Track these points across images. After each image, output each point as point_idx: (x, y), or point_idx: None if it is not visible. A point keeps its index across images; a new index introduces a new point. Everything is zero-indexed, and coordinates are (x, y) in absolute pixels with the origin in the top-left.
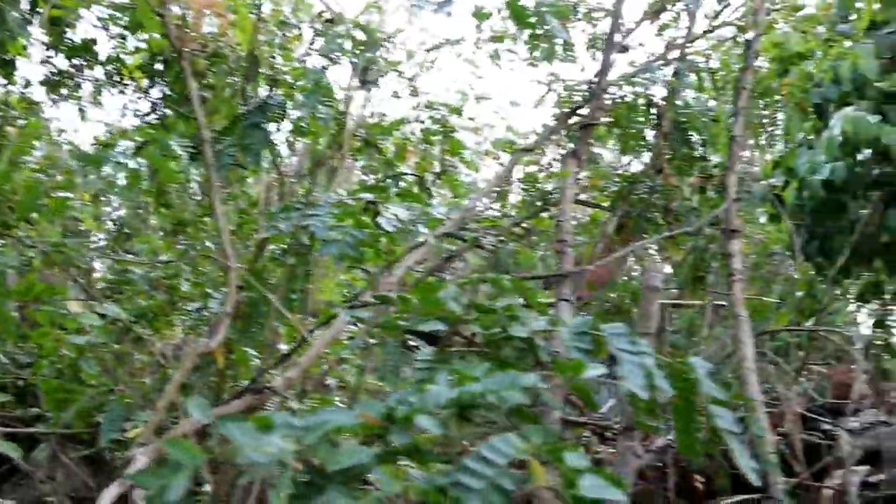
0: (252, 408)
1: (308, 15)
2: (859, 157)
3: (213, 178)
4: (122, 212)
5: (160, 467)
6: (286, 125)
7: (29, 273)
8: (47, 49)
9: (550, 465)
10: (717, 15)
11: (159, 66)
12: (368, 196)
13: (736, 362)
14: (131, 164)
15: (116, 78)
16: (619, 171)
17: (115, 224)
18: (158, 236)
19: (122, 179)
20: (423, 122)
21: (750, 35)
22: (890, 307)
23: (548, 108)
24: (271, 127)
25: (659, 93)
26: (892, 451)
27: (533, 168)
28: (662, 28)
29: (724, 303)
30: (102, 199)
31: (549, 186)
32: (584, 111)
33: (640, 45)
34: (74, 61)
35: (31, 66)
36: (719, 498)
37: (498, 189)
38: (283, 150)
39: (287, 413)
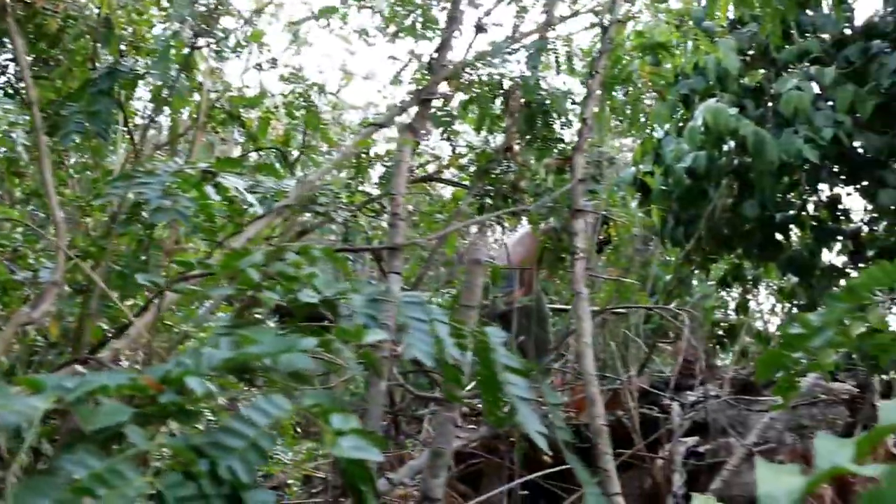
0: None
1: None
2: (724, 147)
3: (41, 143)
4: None
5: None
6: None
7: None
8: None
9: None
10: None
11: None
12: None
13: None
14: None
15: None
16: (480, 150)
17: None
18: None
19: None
20: (285, 95)
21: (606, 21)
22: (751, 292)
23: (406, 85)
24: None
25: (514, 73)
26: (718, 422)
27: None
28: (522, 10)
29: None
30: None
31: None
32: (440, 87)
33: (499, 24)
34: None
35: None
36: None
37: (348, 164)
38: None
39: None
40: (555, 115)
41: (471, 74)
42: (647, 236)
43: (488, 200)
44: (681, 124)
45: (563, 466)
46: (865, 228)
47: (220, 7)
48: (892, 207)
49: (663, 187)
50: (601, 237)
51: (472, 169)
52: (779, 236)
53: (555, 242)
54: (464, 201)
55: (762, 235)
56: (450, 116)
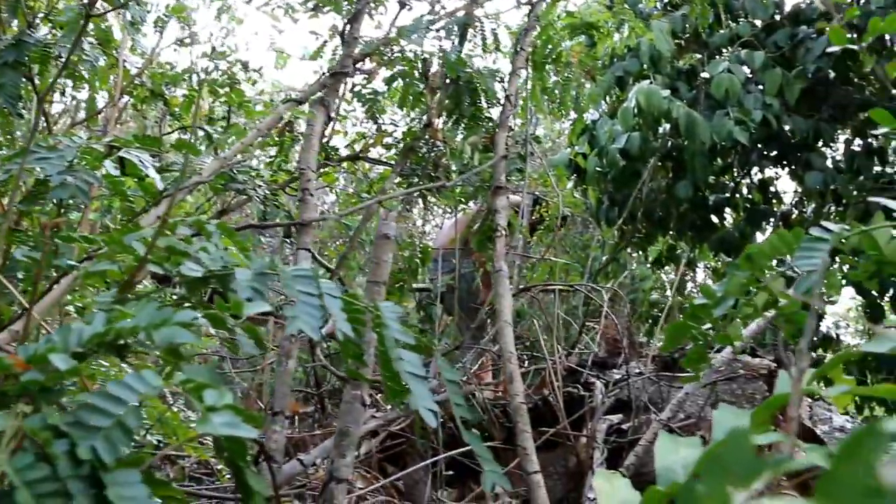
0: None
1: None
2: (660, 129)
3: None
4: None
5: None
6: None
7: None
8: None
9: None
10: None
11: None
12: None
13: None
14: None
15: None
16: (406, 128)
17: None
18: None
19: None
20: (209, 72)
21: None
22: (687, 273)
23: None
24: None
25: (436, 49)
26: (639, 399)
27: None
28: None
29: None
30: None
31: (333, 140)
32: (364, 64)
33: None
34: None
35: None
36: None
37: (272, 142)
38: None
39: None
40: (482, 93)
41: (393, 51)
42: (584, 217)
43: (415, 179)
44: (616, 106)
45: (488, 444)
46: (796, 210)
47: None
48: (819, 189)
49: (598, 168)
50: (534, 218)
51: (399, 147)
52: (714, 218)
53: (484, 221)
54: (389, 180)
55: (696, 216)
56: (374, 93)
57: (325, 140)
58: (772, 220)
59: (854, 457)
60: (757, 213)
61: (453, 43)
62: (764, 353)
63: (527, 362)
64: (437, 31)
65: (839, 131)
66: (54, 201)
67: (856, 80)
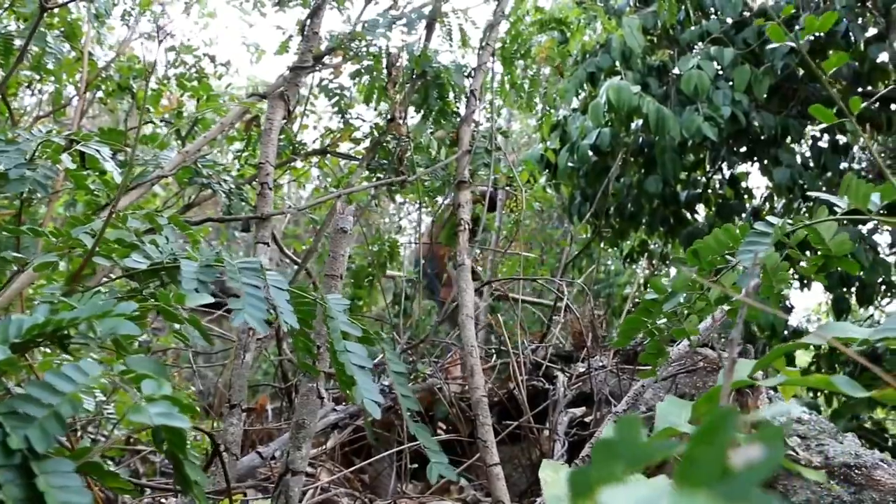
0: None
1: None
2: (632, 125)
3: None
4: None
5: None
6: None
7: None
8: None
9: None
10: None
11: None
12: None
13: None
14: None
15: None
16: (373, 123)
17: None
18: None
19: None
20: (176, 66)
21: None
22: (659, 267)
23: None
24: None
25: (402, 44)
26: (601, 392)
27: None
28: None
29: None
30: None
31: (300, 136)
32: (332, 59)
33: None
34: None
35: None
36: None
37: (239, 136)
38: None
39: None
40: (450, 87)
41: (359, 46)
42: (558, 213)
43: (379, 175)
44: (587, 102)
45: (452, 436)
46: (767, 206)
47: None
48: (787, 185)
49: (570, 164)
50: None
51: (366, 142)
52: (685, 213)
53: (453, 217)
54: (355, 175)
55: (668, 212)
56: (341, 88)
57: (293, 135)
58: (743, 215)
59: (708, 440)
60: (728, 209)
61: (420, 38)
62: (715, 342)
63: (495, 356)
64: (403, 26)
65: (807, 128)
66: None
67: (823, 76)
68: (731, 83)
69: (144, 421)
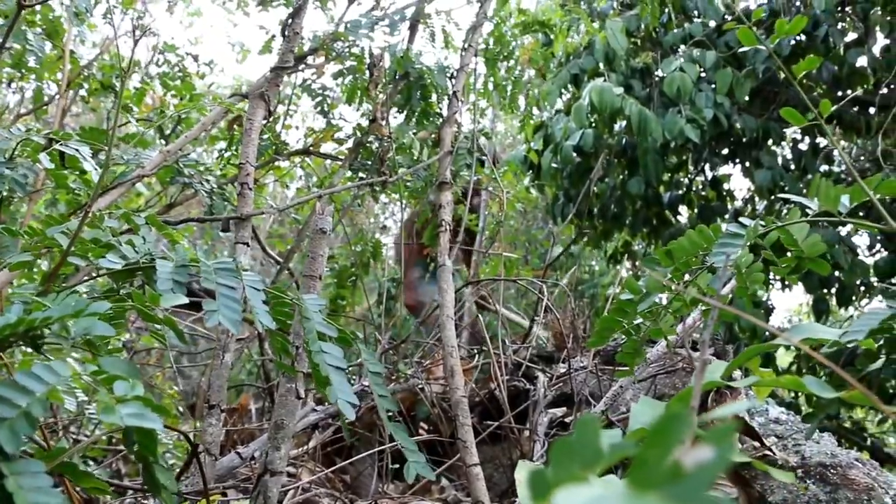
0: None
1: None
2: (616, 127)
3: None
4: None
5: None
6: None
7: None
8: None
9: None
10: None
11: None
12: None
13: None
14: None
15: None
16: (356, 123)
17: None
18: None
19: None
20: (160, 65)
21: None
22: (640, 268)
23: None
24: None
25: (384, 45)
26: (581, 393)
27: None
28: None
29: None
30: None
31: (283, 135)
32: (315, 59)
33: None
34: None
35: None
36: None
37: (222, 136)
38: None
39: None
40: (433, 88)
41: (341, 46)
42: (542, 214)
43: (362, 175)
44: (571, 103)
45: (433, 437)
46: (749, 208)
47: None
48: (768, 187)
49: (554, 165)
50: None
51: (349, 143)
52: (668, 214)
53: (435, 217)
54: (338, 175)
55: (651, 213)
56: (323, 88)
57: (275, 135)
58: (726, 216)
59: (660, 441)
60: (710, 210)
61: (403, 39)
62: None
63: (477, 357)
64: (386, 27)
65: (788, 130)
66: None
67: (804, 80)
68: (713, 86)
69: (115, 421)
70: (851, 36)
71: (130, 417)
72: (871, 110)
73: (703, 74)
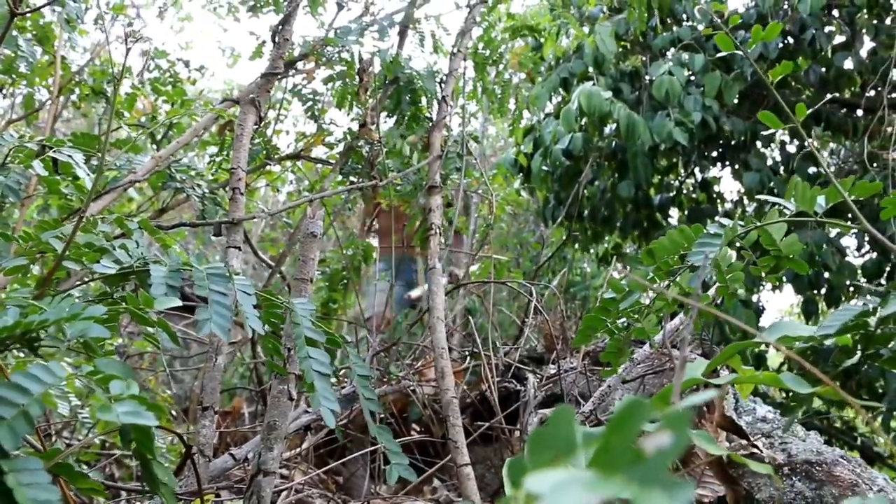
0: None
1: None
2: (606, 130)
3: None
4: None
5: None
6: None
7: None
8: None
9: None
10: None
11: None
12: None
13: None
14: None
15: None
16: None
17: None
18: None
19: None
20: (150, 70)
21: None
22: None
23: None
24: None
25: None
26: (571, 394)
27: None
28: None
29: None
30: None
31: (274, 140)
32: (306, 64)
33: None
34: None
35: None
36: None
37: (213, 141)
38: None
39: None
40: (423, 93)
41: (331, 52)
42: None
43: (352, 179)
44: (561, 107)
45: (425, 437)
46: (739, 210)
47: None
48: (757, 189)
49: (544, 168)
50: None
51: (340, 147)
52: (658, 217)
53: (424, 220)
54: (328, 179)
55: (641, 215)
56: (314, 93)
57: (266, 139)
58: (715, 218)
59: (622, 428)
60: (699, 213)
61: (393, 44)
62: (692, 347)
63: (468, 358)
64: (376, 32)
65: (777, 133)
66: None
67: (792, 83)
68: (701, 89)
69: (111, 419)
70: (839, 39)
71: (126, 415)
72: (859, 112)
73: (691, 78)
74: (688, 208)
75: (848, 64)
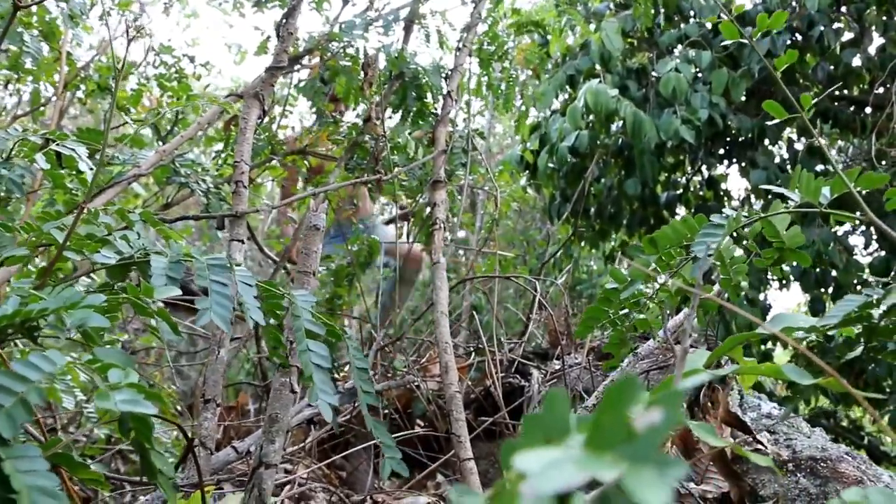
0: None
1: None
2: (612, 127)
3: None
4: None
5: None
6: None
7: None
8: None
9: None
10: None
11: None
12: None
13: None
14: None
15: None
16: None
17: None
18: None
19: None
20: (156, 66)
21: None
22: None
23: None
24: None
25: (379, 45)
26: (575, 389)
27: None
28: None
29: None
30: None
31: (279, 135)
32: (311, 59)
33: None
34: None
35: None
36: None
37: (218, 136)
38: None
39: None
40: (428, 88)
41: (335, 47)
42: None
43: (357, 174)
44: (567, 104)
45: (429, 432)
46: (746, 207)
47: None
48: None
49: (550, 165)
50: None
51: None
52: (665, 214)
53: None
54: (333, 174)
55: (648, 213)
56: (318, 89)
57: (271, 134)
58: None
59: (613, 408)
60: (707, 210)
61: (398, 39)
62: (696, 341)
63: (473, 354)
64: (381, 27)
65: (784, 130)
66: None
67: (801, 80)
68: (708, 86)
69: (109, 407)
70: (847, 36)
71: (124, 403)
72: (868, 110)
73: (698, 75)
74: (694, 206)
75: (856, 61)
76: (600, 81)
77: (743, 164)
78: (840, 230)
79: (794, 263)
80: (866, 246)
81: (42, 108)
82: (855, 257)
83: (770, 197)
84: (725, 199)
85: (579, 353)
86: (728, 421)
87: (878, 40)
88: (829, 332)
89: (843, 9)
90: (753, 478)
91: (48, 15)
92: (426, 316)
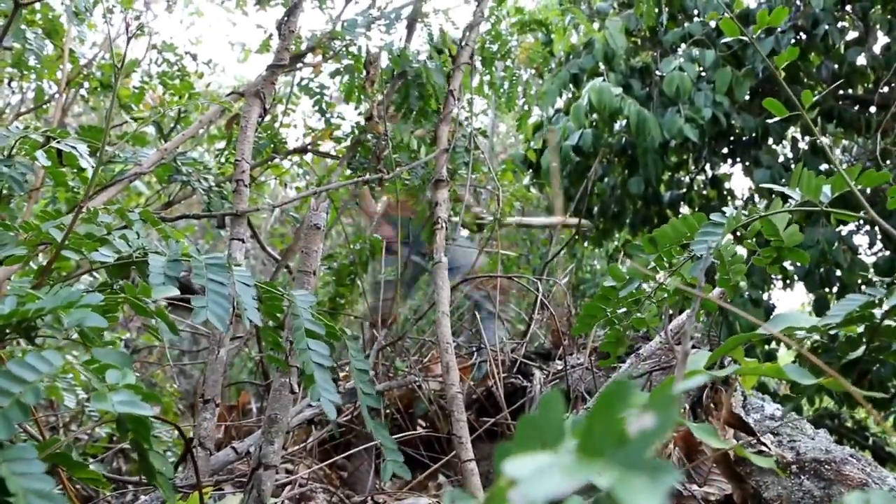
0: None
1: None
2: (616, 126)
3: None
4: None
5: None
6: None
7: None
8: None
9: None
10: None
11: None
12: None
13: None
14: None
15: None
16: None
17: None
18: None
19: None
20: (159, 64)
21: None
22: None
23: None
24: None
25: (381, 43)
26: (577, 390)
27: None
28: None
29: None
30: None
31: (282, 133)
32: (315, 57)
33: None
34: None
35: None
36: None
37: (220, 135)
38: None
39: None
40: (431, 87)
41: (338, 45)
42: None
43: (360, 173)
44: (571, 103)
45: (430, 433)
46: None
47: None
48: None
49: (554, 164)
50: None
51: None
52: (669, 213)
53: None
54: (336, 172)
55: (651, 212)
56: (321, 87)
57: (273, 133)
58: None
59: (605, 412)
60: (710, 209)
61: (401, 38)
62: (699, 342)
63: (475, 354)
64: (383, 25)
65: (788, 129)
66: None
67: (805, 79)
68: (712, 85)
69: (107, 408)
70: (852, 35)
71: (121, 405)
72: (872, 109)
73: (702, 74)
74: (698, 205)
75: (861, 60)
76: (604, 80)
77: (747, 163)
78: (844, 230)
79: (798, 263)
80: (871, 245)
81: (45, 106)
82: (859, 257)
83: (773, 196)
84: (729, 198)
85: (581, 354)
86: (731, 422)
87: (882, 39)
88: (833, 332)
89: (848, 7)
90: (757, 480)
91: (52, 12)
92: (428, 315)
